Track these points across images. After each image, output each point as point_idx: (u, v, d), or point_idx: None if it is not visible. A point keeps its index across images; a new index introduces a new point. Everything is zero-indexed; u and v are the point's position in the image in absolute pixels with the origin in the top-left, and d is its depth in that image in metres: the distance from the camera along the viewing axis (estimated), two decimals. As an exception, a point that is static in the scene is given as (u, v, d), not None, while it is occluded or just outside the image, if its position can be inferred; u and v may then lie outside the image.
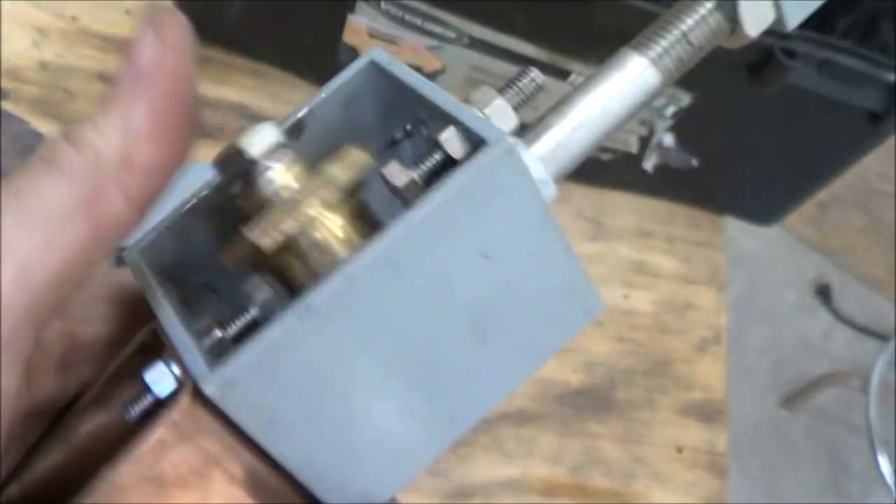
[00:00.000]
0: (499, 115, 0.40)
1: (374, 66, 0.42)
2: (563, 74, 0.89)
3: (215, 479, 0.37)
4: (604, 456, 0.99)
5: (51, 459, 0.41)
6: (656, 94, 0.42)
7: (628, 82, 0.41)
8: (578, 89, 0.41)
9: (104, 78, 0.97)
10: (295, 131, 0.41)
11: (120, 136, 0.35)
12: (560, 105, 0.41)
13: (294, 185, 0.37)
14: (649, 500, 0.98)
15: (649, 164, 0.98)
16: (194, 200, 0.41)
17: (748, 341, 2.36)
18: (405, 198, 0.36)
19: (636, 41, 0.42)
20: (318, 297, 0.34)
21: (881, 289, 2.47)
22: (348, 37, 0.91)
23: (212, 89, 0.99)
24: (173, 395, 0.37)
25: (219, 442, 0.37)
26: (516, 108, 0.40)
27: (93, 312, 0.42)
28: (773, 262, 2.42)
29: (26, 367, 0.36)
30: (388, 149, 0.44)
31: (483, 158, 0.35)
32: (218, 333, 0.36)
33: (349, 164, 0.37)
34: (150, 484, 0.37)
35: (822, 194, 1.02)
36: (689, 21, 0.41)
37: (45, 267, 0.34)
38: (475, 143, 0.36)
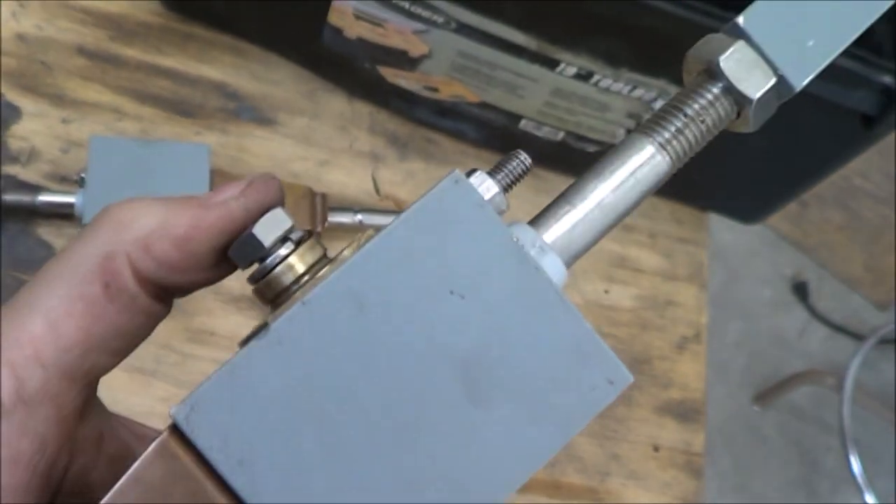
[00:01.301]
0: (477, 181, 0.38)
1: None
2: (552, 64, 0.87)
3: None
4: (579, 453, 0.98)
5: None
6: (665, 179, 0.41)
7: (637, 170, 0.40)
8: (588, 175, 0.40)
9: (83, 51, 0.95)
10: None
11: (152, 222, 0.38)
12: (570, 192, 0.40)
13: (301, 271, 0.37)
14: (624, 498, 0.97)
15: (636, 158, 0.97)
16: None
17: (724, 336, 2.36)
18: None
19: (645, 125, 0.41)
20: (277, 321, 0.34)
21: (858, 287, 2.47)
22: (333, 18, 0.89)
23: (193, 66, 0.97)
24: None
25: (195, 486, 0.35)
26: (506, 190, 0.39)
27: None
28: (751, 257, 2.42)
29: (64, 427, 0.38)
30: None
31: (433, 189, 0.35)
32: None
33: (362, 244, 0.37)
34: None
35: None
36: (696, 106, 0.40)
37: (71, 322, 0.37)
38: None
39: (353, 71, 0.96)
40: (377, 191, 0.97)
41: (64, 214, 0.86)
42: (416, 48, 0.90)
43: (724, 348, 2.35)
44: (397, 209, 0.96)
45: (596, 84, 0.88)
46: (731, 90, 0.40)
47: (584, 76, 0.88)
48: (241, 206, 0.39)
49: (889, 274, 2.37)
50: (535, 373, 0.36)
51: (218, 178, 0.87)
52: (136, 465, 0.35)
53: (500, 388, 0.35)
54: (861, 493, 2.09)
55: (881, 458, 2.20)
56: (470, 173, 0.38)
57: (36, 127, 0.91)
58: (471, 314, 0.35)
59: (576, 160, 0.99)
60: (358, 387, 0.35)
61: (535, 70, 0.89)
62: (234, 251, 0.39)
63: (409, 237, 0.35)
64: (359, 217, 0.92)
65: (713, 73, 0.40)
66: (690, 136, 0.40)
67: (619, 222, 0.41)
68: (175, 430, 0.35)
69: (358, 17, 0.88)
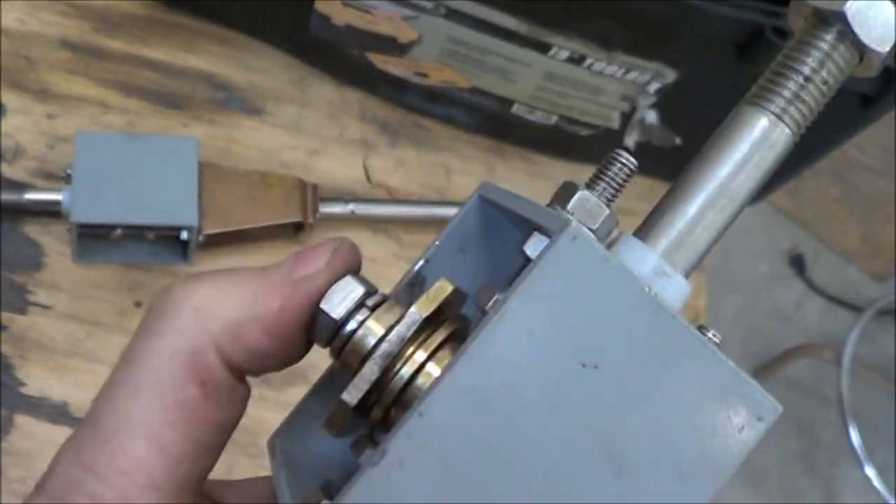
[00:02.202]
0: (582, 209, 0.35)
1: (484, 201, 0.40)
2: (543, 48, 0.86)
3: None
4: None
5: None
6: (788, 152, 0.36)
7: (754, 148, 0.36)
8: (696, 163, 0.36)
9: (67, 45, 0.94)
10: (415, 285, 0.40)
11: (239, 310, 0.37)
12: (678, 187, 0.36)
13: (381, 333, 0.36)
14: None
15: (631, 140, 0.96)
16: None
17: (721, 311, 2.36)
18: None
19: (752, 95, 0.36)
20: (394, 441, 0.31)
21: (855, 260, 2.46)
22: (320, 5, 0.88)
23: (180, 57, 0.96)
24: None
25: None
26: (610, 200, 0.36)
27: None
28: (748, 231, 2.40)
29: None
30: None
31: (549, 249, 0.32)
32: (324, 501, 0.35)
33: (431, 298, 0.35)
34: None
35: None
36: (811, 61, 0.36)
37: (174, 434, 0.36)
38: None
39: (342, 58, 0.95)
40: (368, 179, 0.96)
41: (51, 212, 0.84)
42: (405, 34, 0.88)
43: (721, 323, 2.34)
44: (389, 197, 0.95)
45: (589, 67, 0.87)
46: (847, 33, 0.35)
47: (576, 60, 0.86)
48: (328, 280, 0.37)
49: (886, 246, 2.36)
50: (681, 428, 0.33)
51: (207, 170, 0.85)
52: None
53: (645, 451, 0.33)
54: (861, 465, 2.09)
55: (880, 430, 2.19)
56: (569, 191, 0.35)
57: (21, 123, 0.89)
58: (606, 383, 0.32)
59: (569, 144, 0.97)
60: (492, 484, 0.32)
61: (527, 54, 0.87)
62: (315, 333, 0.38)
63: (528, 313, 0.31)
64: (350, 207, 0.90)
65: (825, 17, 0.35)
66: (810, 99, 0.36)
67: (740, 213, 0.37)
68: None
69: (346, 4, 0.86)
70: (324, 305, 0.36)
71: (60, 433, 0.80)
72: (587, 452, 0.32)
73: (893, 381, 2.17)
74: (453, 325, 0.36)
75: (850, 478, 2.23)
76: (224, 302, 0.37)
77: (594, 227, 0.35)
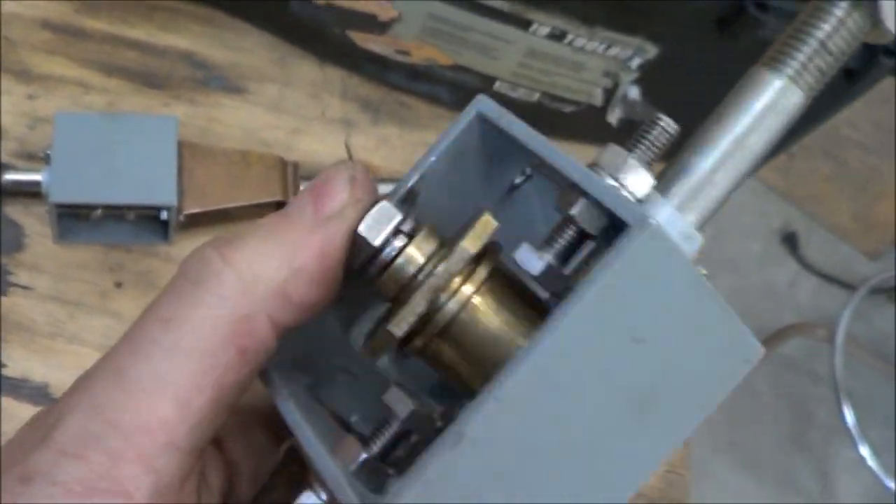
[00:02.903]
0: (632, 179, 0.36)
1: (482, 119, 0.40)
2: (524, 24, 0.85)
3: None
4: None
5: None
6: (799, 114, 0.38)
7: (767, 108, 0.37)
8: (712, 121, 0.38)
9: (48, 25, 0.93)
10: (408, 200, 0.39)
11: (283, 268, 0.36)
12: (694, 143, 0.38)
13: (422, 262, 0.36)
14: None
15: (613, 117, 0.95)
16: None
17: (714, 290, 2.35)
18: (545, 285, 0.35)
19: (768, 57, 0.38)
20: (472, 424, 0.33)
21: (848, 237, 2.46)
22: (300, -18, 0.88)
23: (160, 37, 0.95)
24: None
25: None
26: (649, 164, 0.37)
27: (239, 436, 0.42)
28: (739, 210, 2.40)
29: (196, 489, 0.37)
30: (508, 195, 0.42)
31: (627, 247, 0.33)
32: (363, 455, 0.36)
33: (478, 235, 0.36)
34: None
35: (790, 143, 1.01)
36: (826, 27, 0.37)
37: (202, 398, 0.35)
38: (610, 215, 0.34)
39: (324, 37, 0.94)
40: (351, 158, 0.95)
41: (31, 193, 0.84)
42: (385, 12, 0.88)
43: (714, 302, 2.35)
44: (372, 176, 0.94)
45: (570, 44, 0.87)
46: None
47: (557, 36, 0.86)
48: (359, 214, 0.37)
49: (878, 223, 2.36)
50: (692, 381, 0.36)
51: (186, 149, 0.85)
52: None
53: (663, 404, 0.36)
54: (855, 444, 2.09)
55: (874, 409, 2.19)
56: (616, 157, 0.36)
57: (1, 104, 0.89)
58: (647, 354, 0.35)
59: (552, 121, 0.97)
60: (540, 443, 0.34)
61: (508, 31, 0.87)
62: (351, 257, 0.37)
63: (601, 300, 0.33)
64: (332, 186, 0.90)
65: None
66: (823, 63, 0.37)
67: (751, 175, 0.38)
68: None
69: (325, -19, 0.86)
70: (363, 232, 0.36)
71: (41, 414, 0.80)
72: (621, 410, 0.35)
73: (887, 360, 2.17)
74: (492, 259, 0.37)
75: (844, 457, 2.23)
76: (266, 264, 0.36)
77: (641, 197, 0.36)
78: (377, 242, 0.36)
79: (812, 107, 0.92)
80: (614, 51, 0.87)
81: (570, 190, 0.35)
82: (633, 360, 0.34)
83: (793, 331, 2.27)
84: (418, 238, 0.36)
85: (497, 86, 0.95)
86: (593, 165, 0.37)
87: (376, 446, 0.36)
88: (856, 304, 2.17)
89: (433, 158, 0.40)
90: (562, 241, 0.35)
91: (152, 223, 0.85)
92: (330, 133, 0.96)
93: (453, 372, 0.37)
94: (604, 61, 0.89)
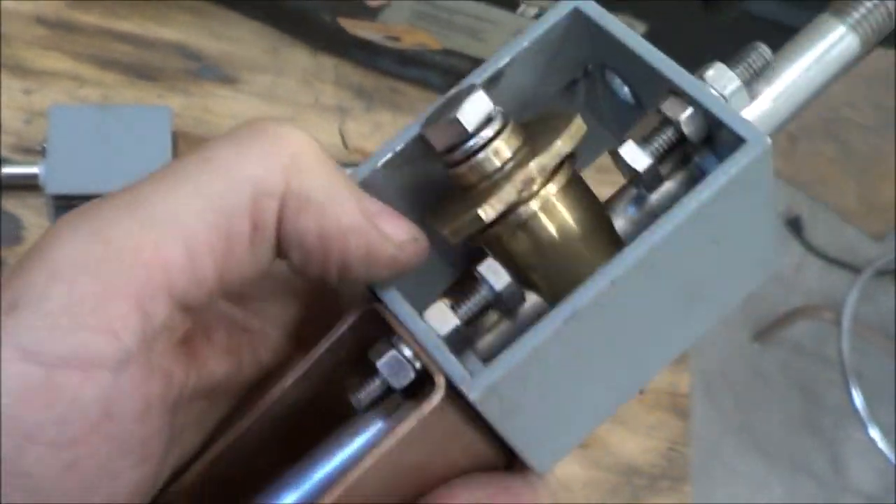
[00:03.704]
0: (735, 97, 0.39)
1: (576, 16, 0.40)
2: (512, 6, 0.86)
3: (456, 484, 0.37)
4: (564, 397, 0.97)
5: (233, 434, 0.39)
6: (856, 61, 0.41)
7: (827, 51, 0.41)
8: (781, 57, 0.41)
9: (41, 21, 0.94)
10: (492, 83, 0.40)
11: (328, 188, 0.35)
12: (765, 73, 0.40)
13: (508, 155, 0.37)
14: (609, 443, 0.97)
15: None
16: (388, 155, 0.40)
17: (720, 276, 2.35)
18: (643, 182, 0.37)
19: (835, 6, 0.41)
20: (583, 300, 0.34)
21: (853, 219, 2.46)
22: (289, -30, 0.88)
23: (151, 29, 0.96)
24: (410, 386, 0.37)
25: (461, 444, 0.37)
26: (746, 85, 0.39)
27: (266, 304, 0.41)
28: (745, 196, 2.40)
29: (187, 350, 0.35)
30: (565, 91, 0.43)
31: (743, 159, 0.35)
32: (454, 321, 0.37)
33: (572, 135, 0.37)
34: (387, 473, 0.36)
35: (792, 126, 1.00)
36: None
37: (209, 257, 0.33)
38: (713, 126, 0.37)
39: (315, 24, 0.95)
40: (345, 145, 0.96)
41: (29, 185, 0.85)
42: (374, -2, 0.89)
43: (721, 288, 2.35)
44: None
45: (558, 24, 0.87)
46: None
47: (545, 16, 0.87)
48: None
49: (883, 205, 2.36)
50: (733, 280, 0.40)
51: (181, 140, 0.86)
52: (409, 425, 0.35)
53: (707, 298, 0.39)
54: (864, 426, 2.09)
55: (883, 391, 2.19)
56: (719, 71, 0.39)
57: (-3, 99, 0.90)
58: (716, 255, 0.38)
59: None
60: (619, 329, 0.37)
61: (496, 13, 0.87)
62: (432, 134, 0.37)
63: (707, 211, 0.35)
64: (327, 172, 0.91)
65: None
66: (879, 17, 0.40)
67: (808, 105, 0.42)
68: (449, 392, 0.35)
69: (314, -30, 0.87)
70: (460, 116, 0.36)
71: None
72: (680, 298, 0.38)
73: (894, 341, 2.17)
74: (572, 163, 0.38)
75: (855, 439, 2.23)
76: (314, 171, 0.36)
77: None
78: (471, 128, 0.36)
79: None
80: (602, 30, 0.87)
81: (674, 97, 0.37)
82: (705, 258, 0.37)
83: (800, 314, 2.28)
84: (507, 132, 0.37)
85: (488, 69, 0.95)
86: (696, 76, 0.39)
87: (462, 312, 0.37)
88: (862, 286, 2.17)
89: (525, 43, 0.40)
90: (659, 143, 0.37)
91: (148, 213, 0.85)
92: (324, 120, 0.97)
93: (521, 265, 0.38)
94: (592, 41, 0.89)
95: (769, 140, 0.35)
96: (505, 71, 0.40)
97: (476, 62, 0.93)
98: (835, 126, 2.32)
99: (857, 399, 2.08)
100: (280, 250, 0.36)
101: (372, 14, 0.90)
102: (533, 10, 0.86)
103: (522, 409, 0.36)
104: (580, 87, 0.44)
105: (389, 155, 0.40)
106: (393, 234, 0.36)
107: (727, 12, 0.81)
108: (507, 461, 0.39)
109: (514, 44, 0.40)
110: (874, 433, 2.08)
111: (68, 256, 0.32)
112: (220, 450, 0.39)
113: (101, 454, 0.32)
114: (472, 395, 0.34)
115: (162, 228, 0.32)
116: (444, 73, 0.97)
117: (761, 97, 0.40)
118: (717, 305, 0.40)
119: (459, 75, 0.95)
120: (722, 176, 0.35)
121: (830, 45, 0.40)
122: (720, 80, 0.39)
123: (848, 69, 0.41)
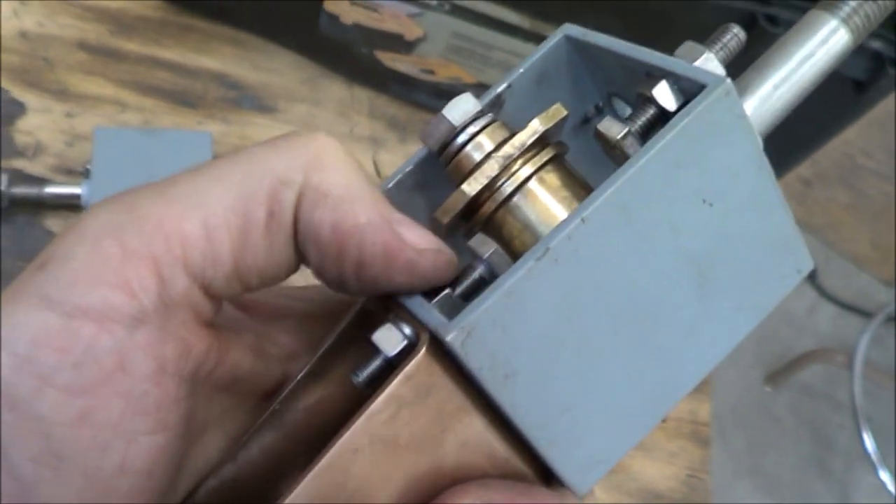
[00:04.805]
0: (708, 65, 0.40)
1: (569, 41, 0.43)
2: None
3: (447, 443, 0.37)
4: (586, 426, 0.98)
5: (266, 439, 0.40)
6: (847, 53, 0.42)
7: (819, 45, 0.41)
8: (773, 51, 0.42)
9: (84, 47, 0.97)
10: (495, 105, 0.43)
11: (352, 187, 0.37)
12: (759, 65, 0.42)
13: (491, 148, 0.39)
14: (631, 469, 0.98)
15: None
16: (399, 176, 0.42)
17: (733, 318, 2.36)
18: (622, 149, 0.37)
19: (825, 2, 0.42)
20: (555, 238, 0.35)
21: (866, 266, 2.47)
22: (329, 5, 0.91)
23: (192, 58, 0.99)
24: (404, 355, 0.37)
25: (452, 401, 0.36)
26: (720, 62, 0.40)
27: (298, 324, 0.43)
28: (758, 239, 2.41)
29: (207, 331, 0.37)
30: (580, 126, 0.45)
31: (704, 99, 0.36)
32: (446, 290, 0.37)
33: (549, 116, 0.39)
34: (382, 446, 0.36)
35: (807, 171, 1.01)
36: None
37: (225, 239, 0.35)
38: (687, 94, 0.38)
39: (351, 57, 0.97)
40: (379, 174, 0.98)
41: (70, 205, 0.87)
42: (411, 31, 0.91)
43: (733, 330, 2.34)
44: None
45: (589, 60, 0.89)
46: None
47: (577, 52, 0.88)
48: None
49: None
50: (750, 267, 0.39)
51: (220, 165, 0.88)
52: (395, 381, 0.35)
53: (722, 283, 0.38)
54: (875, 469, 2.09)
55: (894, 435, 2.19)
56: (692, 50, 0.40)
57: (40, 122, 0.92)
58: (713, 219, 0.37)
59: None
60: (613, 291, 0.36)
61: (530, 49, 0.89)
62: (426, 136, 0.40)
63: (679, 150, 0.36)
64: (361, 200, 0.92)
65: None
66: (869, 10, 0.41)
67: (802, 99, 0.42)
68: (431, 344, 0.35)
69: (353, 3, 0.89)
70: (446, 113, 0.39)
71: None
72: (684, 274, 0.38)
73: (906, 386, 2.17)
74: (556, 149, 0.40)
75: (865, 482, 2.23)
76: (345, 179, 0.37)
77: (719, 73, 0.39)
78: (457, 123, 0.39)
79: (823, 119, 0.95)
80: (632, 67, 0.89)
81: (650, 78, 0.38)
82: (699, 221, 0.37)
83: (812, 357, 2.28)
84: (490, 128, 0.39)
85: (519, 103, 0.97)
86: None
87: (460, 287, 0.37)
88: (873, 331, 2.18)
89: (521, 70, 0.43)
90: (641, 119, 0.38)
91: (187, 234, 0.87)
92: (358, 150, 0.99)
93: (516, 242, 0.39)
94: (622, 77, 0.91)
95: (729, 80, 0.36)
96: (504, 95, 0.43)
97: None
98: (849, 173, 2.33)
99: (868, 442, 2.08)
100: (298, 248, 0.37)
101: (409, 47, 0.93)
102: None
103: (517, 373, 0.35)
104: (592, 124, 0.45)
105: (400, 176, 0.42)
106: (412, 240, 0.37)
107: (755, 52, 0.83)
108: (545, 481, 0.39)
109: (512, 70, 0.43)
110: (884, 476, 2.08)
111: (96, 223, 0.34)
112: (243, 462, 0.40)
113: (115, 409, 0.33)
114: (448, 336, 0.34)
115: (184, 205, 0.35)
116: (477, 106, 0.99)
117: (754, 92, 0.41)
118: (741, 301, 0.39)
119: (492, 108, 0.96)
120: (684, 116, 0.35)
121: (822, 39, 0.41)
122: (691, 54, 0.40)
123: (839, 62, 0.42)
